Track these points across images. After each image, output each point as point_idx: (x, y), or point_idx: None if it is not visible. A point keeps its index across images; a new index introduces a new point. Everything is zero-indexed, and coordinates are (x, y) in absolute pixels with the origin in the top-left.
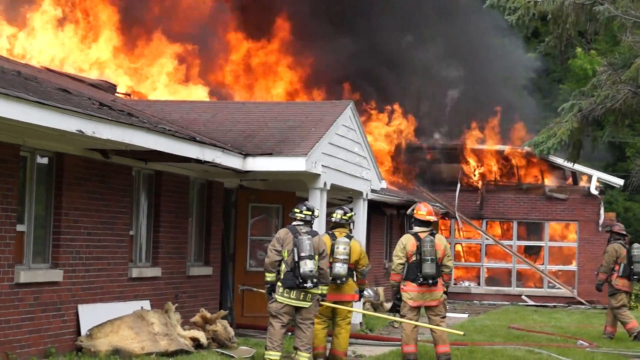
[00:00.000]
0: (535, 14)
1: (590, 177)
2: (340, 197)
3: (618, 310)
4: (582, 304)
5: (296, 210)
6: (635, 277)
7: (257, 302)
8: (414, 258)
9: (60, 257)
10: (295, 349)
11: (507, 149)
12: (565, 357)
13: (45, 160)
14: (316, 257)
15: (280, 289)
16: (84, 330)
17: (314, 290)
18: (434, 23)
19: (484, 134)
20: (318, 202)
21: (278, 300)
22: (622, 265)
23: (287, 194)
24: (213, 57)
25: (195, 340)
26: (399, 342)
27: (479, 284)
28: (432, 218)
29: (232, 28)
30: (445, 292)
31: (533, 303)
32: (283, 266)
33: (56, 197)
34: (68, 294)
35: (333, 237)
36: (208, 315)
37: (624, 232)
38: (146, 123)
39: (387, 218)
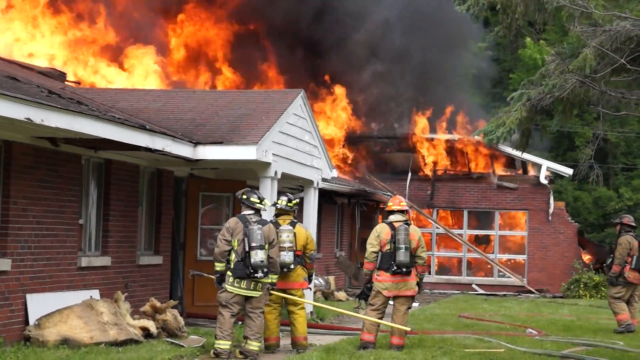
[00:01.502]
0: (485, 3)
1: (539, 166)
2: (291, 186)
3: (614, 300)
4: (531, 292)
5: (243, 197)
6: None
7: (208, 291)
8: (387, 247)
9: (9, 246)
10: (245, 338)
11: (457, 138)
12: (514, 345)
13: None
14: (266, 246)
15: (231, 279)
16: (32, 320)
17: (264, 280)
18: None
19: (435, 123)
20: (269, 190)
21: (228, 290)
22: (635, 257)
23: (237, 182)
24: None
25: (145, 329)
26: (351, 331)
27: (429, 273)
28: (398, 207)
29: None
30: (418, 284)
31: (483, 292)
32: (233, 255)
33: (4, 186)
34: (16, 284)
35: (277, 226)
36: (158, 304)
37: (634, 224)
38: (95, 111)
39: (338, 207)
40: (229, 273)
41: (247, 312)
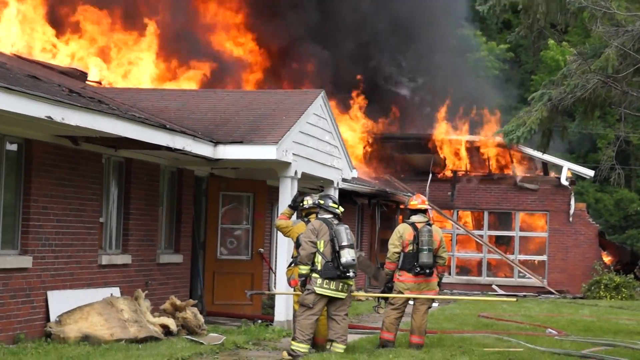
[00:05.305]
0: (507, 4)
1: (560, 167)
2: (311, 186)
3: None
4: (551, 293)
5: (321, 201)
6: None
7: (228, 290)
8: (410, 247)
9: (30, 244)
10: (330, 341)
11: (478, 138)
12: (533, 345)
13: (14, 147)
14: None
15: (319, 280)
16: (53, 317)
17: (350, 282)
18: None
19: (454, 124)
20: (289, 190)
21: (317, 292)
22: None
23: (258, 182)
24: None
25: (164, 327)
26: (370, 330)
27: (449, 274)
28: (423, 206)
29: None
30: (439, 284)
31: (503, 292)
32: (319, 257)
33: (25, 184)
34: (37, 281)
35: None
36: (178, 302)
37: None
38: (116, 110)
39: (358, 207)
40: (315, 275)
41: (330, 315)
